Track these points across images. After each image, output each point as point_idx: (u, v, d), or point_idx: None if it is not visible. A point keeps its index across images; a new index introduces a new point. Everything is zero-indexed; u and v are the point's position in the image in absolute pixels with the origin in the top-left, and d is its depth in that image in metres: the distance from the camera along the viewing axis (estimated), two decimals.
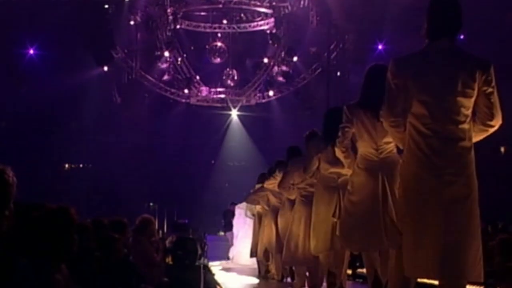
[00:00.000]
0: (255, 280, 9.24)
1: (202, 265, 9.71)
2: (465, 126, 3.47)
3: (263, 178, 8.96)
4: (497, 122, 3.57)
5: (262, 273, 9.42)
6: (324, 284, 6.04)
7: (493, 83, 3.50)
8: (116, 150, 20.74)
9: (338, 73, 21.09)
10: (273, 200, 8.17)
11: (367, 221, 4.36)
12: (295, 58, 20.56)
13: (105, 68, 20.30)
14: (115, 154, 20.73)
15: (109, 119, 20.95)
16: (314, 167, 5.78)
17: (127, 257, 5.23)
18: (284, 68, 20.68)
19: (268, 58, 20.87)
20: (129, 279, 5.05)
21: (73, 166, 23.22)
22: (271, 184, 8.11)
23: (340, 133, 4.67)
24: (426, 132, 3.45)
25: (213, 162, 23.63)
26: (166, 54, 20.23)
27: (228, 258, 13.89)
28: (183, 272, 8.01)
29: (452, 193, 3.39)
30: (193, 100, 21.25)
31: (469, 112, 3.50)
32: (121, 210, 18.75)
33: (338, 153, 4.79)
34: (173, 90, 21.03)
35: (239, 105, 21.49)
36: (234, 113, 21.94)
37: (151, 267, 6.58)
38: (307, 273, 6.55)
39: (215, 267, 11.79)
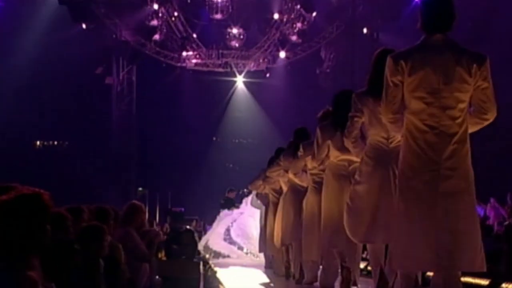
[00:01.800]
0: (265, 279, 9.31)
1: (201, 262, 9.77)
2: (461, 120, 4.16)
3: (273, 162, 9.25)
4: (492, 116, 4.27)
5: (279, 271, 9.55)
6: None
7: (489, 77, 4.16)
8: (97, 125, 20.77)
9: (365, 31, 20.95)
10: (285, 187, 8.38)
11: (374, 213, 4.88)
12: (313, 13, 20.44)
13: (84, 26, 20.24)
14: (96, 129, 20.77)
15: (89, 88, 20.95)
16: (324, 154, 6.21)
17: (112, 251, 5.27)
18: (299, 25, 20.57)
19: (280, 13, 20.74)
20: (115, 277, 5.08)
21: (45, 143, 23.32)
22: (275, 171, 8.51)
23: (349, 123, 5.22)
24: (423, 128, 4.16)
25: (214, 138, 23.66)
26: (156, 7, 20.16)
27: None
28: (179, 270, 8.07)
29: (449, 187, 4.10)
30: (189, 64, 21.21)
31: (465, 106, 4.18)
32: (103, 195, 18.93)
33: (347, 143, 5.36)
34: (165, 52, 21.00)
35: (245, 70, 21.45)
36: (240, 80, 21.89)
37: (141, 263, 6.62)
38: (321, 268, 6.87)
39: (218, 263, 11.86)
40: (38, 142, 23.19)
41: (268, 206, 9.57)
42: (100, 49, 20.76)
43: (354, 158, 5.57)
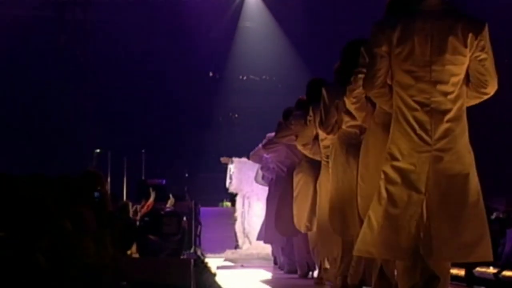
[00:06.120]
0: (277, 280, 9.46)
1: (193, 260, 9.84)
2: (455, 96, 5.31)
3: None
4: (492, 89, 5.41)
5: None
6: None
7: (487, 47, 5.28)
8: (36, 61, 20.81)
9: None
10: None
11: None
12: None
13: None
14: (33, 66, 20.81)
15: (23, 15, 21.00)
16: (333, 119, 7.28)
17: (62, 241, 5.26)
18: None
19: None
20: (63, 281, 5.07)
21: None
22: (286, 136, 9.91)
23: (352, 79, 6.20)
24: (413, 105, 5.30)
25: (211, 74, 23.59)
26: None
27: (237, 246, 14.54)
28: (158, 272, 8.11)
29: (441, 170, 5.26)
30: None
31: (459, 80, 5.32)
32: (46, 159, 18.96)
33: (348, 104, 6.43)
34: None
35: None
36: None
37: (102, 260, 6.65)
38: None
39: (216, 261, 11.96)
40: None
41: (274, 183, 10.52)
42: None
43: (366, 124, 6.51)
